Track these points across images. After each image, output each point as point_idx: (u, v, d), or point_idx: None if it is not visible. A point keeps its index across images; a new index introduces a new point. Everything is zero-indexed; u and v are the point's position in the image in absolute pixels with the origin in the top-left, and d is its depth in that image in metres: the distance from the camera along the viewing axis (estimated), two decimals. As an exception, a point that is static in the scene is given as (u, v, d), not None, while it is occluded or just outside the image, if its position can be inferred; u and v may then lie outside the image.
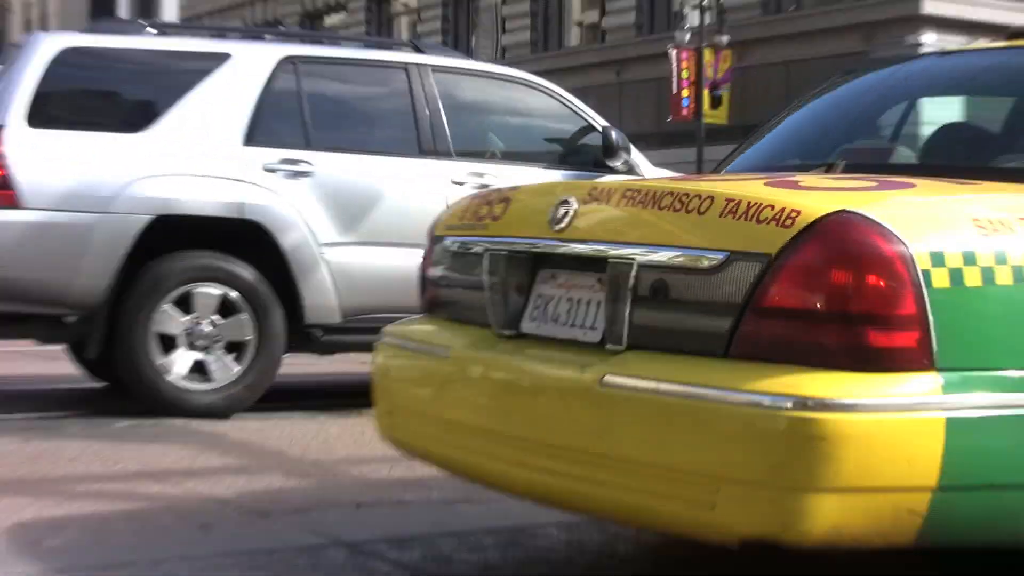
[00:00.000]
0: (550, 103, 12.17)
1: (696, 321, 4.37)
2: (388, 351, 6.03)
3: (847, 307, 4.03)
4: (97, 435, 9.49)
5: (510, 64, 25.01)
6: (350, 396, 11.20)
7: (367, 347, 10.58)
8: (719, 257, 4.25)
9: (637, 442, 4.37)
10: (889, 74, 7.50)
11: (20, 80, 10.18)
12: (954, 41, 46.00)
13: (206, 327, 10.31)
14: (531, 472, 4.85)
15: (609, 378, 4.42)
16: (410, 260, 9.32)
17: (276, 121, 10.84)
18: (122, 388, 11.36)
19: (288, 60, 11.06)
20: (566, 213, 4.85)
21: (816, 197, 4.40)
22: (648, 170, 11.93)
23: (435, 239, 5.98)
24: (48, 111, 10.23)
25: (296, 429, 9.88)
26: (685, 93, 46.21)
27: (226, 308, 10.37)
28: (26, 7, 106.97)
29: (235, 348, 10.42)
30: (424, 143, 11.24)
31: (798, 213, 4.13)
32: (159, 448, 8.95)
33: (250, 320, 10.38)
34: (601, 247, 4.73)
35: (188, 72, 10.77)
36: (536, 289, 5.13)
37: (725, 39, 47.66)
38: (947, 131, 6.47)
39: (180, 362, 10.26)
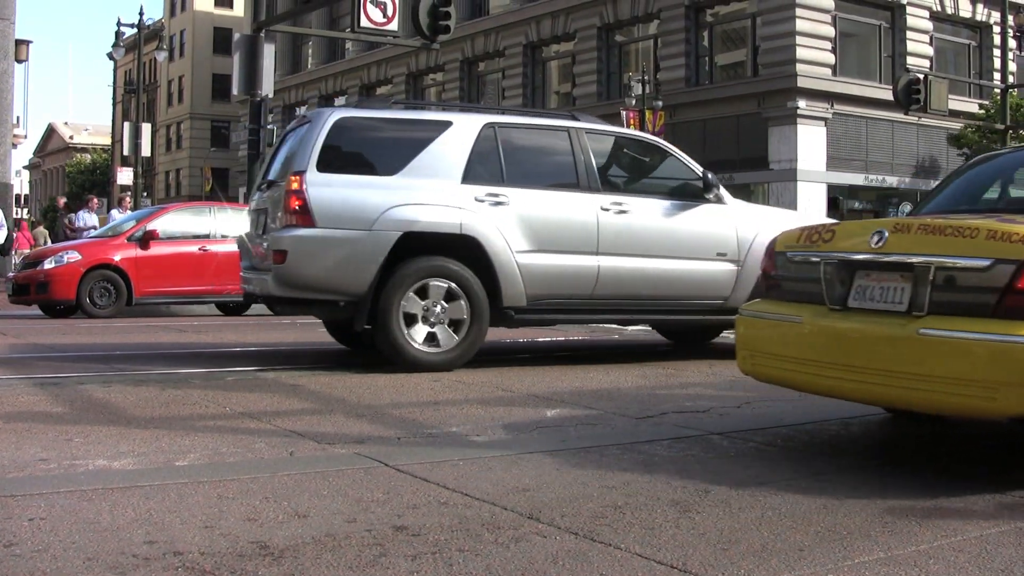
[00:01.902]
0: (663, 153, 12.78)
1: (973, 297, 5.85)
2: (748, 320, 7.34)
3: None
4: (212, 386, 9.54)
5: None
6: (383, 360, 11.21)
7: (539, 323, 11.96)
8: (988, 262, 5.79)
9: (944, 365, 5.84)
10: (1006, 157, 8.81)
11: (312, 140, 11.03)
12: (819, 106, 46.11)
13: (437, 308, 10.92)
14: (864, 385, 6.32)
15: (923, 330, 5.94)
16: (572, 262, 11.26)
17: (482, 166, 11.45)
18: (359, 351, 12.43)
19: (489, 125, 11.72)
20: (881, 237, 6.36)
21: None
22: (729, 200, 12.61)
23: (776, 253, 7.27)
24: (330, 160, 11.00)
25: (353, 381, 9.95)
26: (632, 142, 46.20)
27: (450, 295, 10.98)
28: (168, 83, 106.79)
29: (455, 324, 11.02)
30: (581, 181, 11.85)
31: None
32: (256, 395, 8.99)
33: (465, 305, 10.96)
34: (908, 257, 6.21)
35: (424, 133, 11.49)
36: (856, 282, 6.54)
37: (660, 103, 47.89)
38: None
39: (419, 333, 10.88)
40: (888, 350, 6.13)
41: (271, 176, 11.83)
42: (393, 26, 26.75)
